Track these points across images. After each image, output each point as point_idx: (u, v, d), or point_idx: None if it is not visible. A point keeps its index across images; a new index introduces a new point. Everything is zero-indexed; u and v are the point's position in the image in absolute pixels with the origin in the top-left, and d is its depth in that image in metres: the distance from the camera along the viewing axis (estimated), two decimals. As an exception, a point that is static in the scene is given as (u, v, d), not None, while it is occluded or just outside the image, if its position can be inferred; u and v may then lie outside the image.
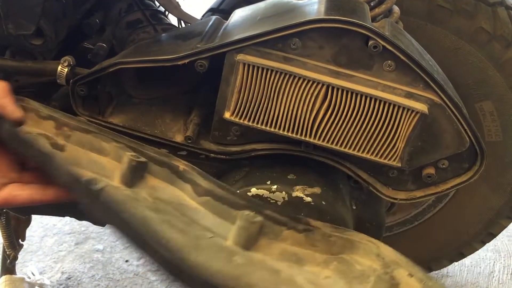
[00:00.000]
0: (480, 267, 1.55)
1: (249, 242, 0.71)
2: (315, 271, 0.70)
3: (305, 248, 0.74)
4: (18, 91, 1.01)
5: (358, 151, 0.84)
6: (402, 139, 0.81)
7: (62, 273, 1.51)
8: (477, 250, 1.30)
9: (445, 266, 1.35)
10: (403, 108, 0.79)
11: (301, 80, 0.80)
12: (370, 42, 0.76)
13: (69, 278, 1.49)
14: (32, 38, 0.89)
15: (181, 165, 0.79)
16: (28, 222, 1.34)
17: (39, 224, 1.69)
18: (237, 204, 0.75)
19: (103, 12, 1.07)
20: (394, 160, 0.83)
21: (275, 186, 0.88)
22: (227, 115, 0.85)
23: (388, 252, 0.73)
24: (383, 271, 0.70)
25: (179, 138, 0.93)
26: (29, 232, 1.55)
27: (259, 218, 0.71)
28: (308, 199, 0.87)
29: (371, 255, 0.73)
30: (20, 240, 1.31)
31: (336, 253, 0.74)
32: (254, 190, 0.88)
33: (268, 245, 0.72)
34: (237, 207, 0.75)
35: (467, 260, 1.55)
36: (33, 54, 0.98)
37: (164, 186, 0.78)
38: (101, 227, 1.10)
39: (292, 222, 0.75)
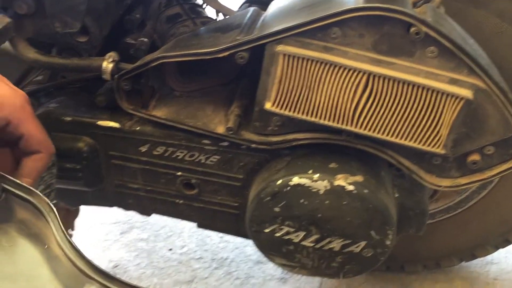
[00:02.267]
0: (526, 254, 1.52)
1: None
2: None
3: None
4: (65, 88, 1.06)
5: (401, 139, 0.83)
6: (446, 126, 0.80)
7: (110, 261, 1.56)
8: (524, 236, 1.28)
9: (490, 253, 1.33)
10: (447, 95, 0.78)
11: (341, 69, 0.79)
12: (412, 29, 0.75)
13: (116, 266, 1.54)
14: (77, 35, 0.92)
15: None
16: (77, 213, 1.39)
17: (85, 215, 1.75)
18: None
19: (143, 7, 1.09)
20: (438, 147, 0.83)
21: (317, 175, 0.88)
22: (268, 105, 0.86)
23: None
24: None
25: (220, 130, 0.94)
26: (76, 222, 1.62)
27: None
28: (350, 187, 0.88)
29: None
30: (70, 230, 1.36)
31: None
32: (296, 179, 0.89)
33: None
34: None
35: (513, 247, 1.52)
36: (78, 51, 1.01)
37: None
38: (146, 216, 1.14)
39: None
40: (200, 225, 1.12)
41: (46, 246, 0.61)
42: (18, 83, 1.08)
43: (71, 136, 1.01)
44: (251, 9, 0.98)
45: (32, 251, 0.62)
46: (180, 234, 1.67)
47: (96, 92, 1.02)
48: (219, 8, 1.13)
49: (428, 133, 0.82)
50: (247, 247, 1.59)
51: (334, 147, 0.92)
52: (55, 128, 0.97)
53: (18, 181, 0.63)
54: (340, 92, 0.81)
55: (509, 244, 1.31)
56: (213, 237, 1.64)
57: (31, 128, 0.69)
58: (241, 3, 1.23)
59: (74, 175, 1.03)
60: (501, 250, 1.35)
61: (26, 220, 0.63)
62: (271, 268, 1.49)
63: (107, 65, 0.90)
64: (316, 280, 1.46)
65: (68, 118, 1.00)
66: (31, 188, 0.63)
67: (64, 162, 1.00)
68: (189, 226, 1.69)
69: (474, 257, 1.35)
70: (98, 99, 0.99)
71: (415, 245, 1.31)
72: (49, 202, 0.62)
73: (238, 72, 1.02)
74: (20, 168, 0.70)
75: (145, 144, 1.00)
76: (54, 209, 0.61)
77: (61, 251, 0.59)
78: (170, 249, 1.61)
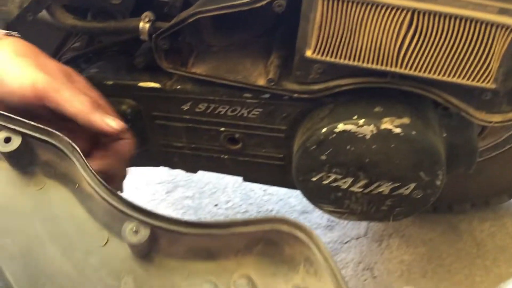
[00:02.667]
0: None
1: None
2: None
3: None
4: (104, 52, 1.07)
5: (449, 76, 0.81)
6: (496, 59, 0.77)
7: (159, 220, 1.61)
8: None
9: (540, 188, 1.31)
10: (497, 26, 0.74)
11: (384, 8, 0.77)
12: (457, -42, 0.71)
13: (165, 224, 1.59)
14: (111, -3, 0.92)
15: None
16: (125, 174, 1.42)
17: (131, 176, 1.80)
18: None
19: (172, -37, 1.07)
20: (488, 82, 0.80)
21: (362, 120, 0.87)
22: (308, 53, 0.84)
23: None
24: None
25: (261, 82, 0.94)
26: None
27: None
28: (398, 130, 0.86)
29: None
30: (119, 192, 1.40)
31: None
32: (341, 126, 0.88)
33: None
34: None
35: None
36: (112, 14, 1.01)
37: None
38: (192, 173, 1.16)
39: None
40: (246, 179, 1.13)
41: (77, 186, 0.61)
42: (57, 51, 1.10)
43: (114, 100, 1.01)
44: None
45: (64, 192, 0.61)
46: (224, 189, 1.69)
47: (135, 53, 1.02)
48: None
49: (478, 68, 0.79)
50: (291, 198, 1.61)
51: (378, 91, 0.90)
52: (98, 93, 0.99)
53: (33, 123, 0.60)
54: (383, 33, 0.79)
55: (560, 178, 1.28)
56: (257, 190, 1.66)
57: (66, 97, 0.69)
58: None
59: (120, 138, 1.04)
60: (551, 185, 1.33)
61: (50, 161, 0.62)
62: (317, 217, 1.51)
63: (144, 25, 0.90)
64: (363, 225, 1.47)
65: (110, 82, 1.01)
66: (49, 129, 0.61)
67: (110, 126, 1.02)
68: (232, 182, 1.71)
69: (522, 194, 1.33)
70: (137, 61, 1.00)
71: (464, 184, 1.29)
72: (70, 141, 0.60)
73: (275, 23, 1.00)
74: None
75: (187, 102, 1.00)
76: (77, 148, 0.59)
77: (93, 189, 0.58)
78: (216, 205, 1.64)
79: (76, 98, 0.71)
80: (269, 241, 0.57)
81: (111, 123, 0.74)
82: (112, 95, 1.02)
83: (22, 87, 0.69)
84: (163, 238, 0.58)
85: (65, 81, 0.74)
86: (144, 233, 0.56)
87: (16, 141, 0.60)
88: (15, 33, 0.79)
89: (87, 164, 0.59)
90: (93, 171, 0.58)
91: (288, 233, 0.55)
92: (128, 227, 0.56)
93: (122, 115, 1.02)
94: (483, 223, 1.40)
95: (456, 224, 1.41)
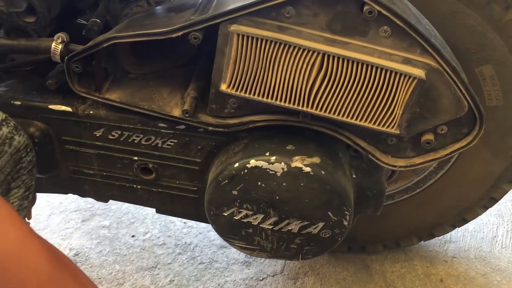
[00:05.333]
0: (483, 232, 1.56)
1: None
2: None
3: None
4: (15, 71, 1.02)
5: (356, 119, 0.83)
6: (400, 106, 0.81)
7: (70, 249, 1.53)
8: (480, 215, 1.30)
9: (448, 232, 1.35)
10: (400, 74, 0.78)
11: (296, 49, 0.79)
12: (365, 8, 0.75)
13: (77, 254, 1.51)
14: (24, 15, 0.89)
15: None
16: (34, 201, 1.35)
17: (45, 202, 1.71)
18: None
19: (96, -13, 1.06)
20: (392, 127, 0.83)
21: (274, 157, 0.88)
22: (223, 87, 0.85)
23: None
24: None
25: (176, 112, 0.93)
26: (36, 210, 1.58)
27: None
28: (308, 169, 0.87)
29: None
30: (26, 219, 1.32)
31: None
32: (253, 162, 0.88)
33: None
34: None
35: (470, 226, 1.56)
36: (27, 32, 0.97)
37: None
38: (103, 202, 1.11)
39: None
40: (159, 211, 1.10)
41: None
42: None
43: (21, 121, 0.97)
44: (207, -12, 0.95)
45: None
46: (143, 220, 1.64)
47: (47, 75, 0.98)
48: (175, -12, 1.10)
49: (383, 113, 0.82)
50: (210, 232, 1.59)
51: (292, 129, 0.91)
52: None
53: None
54: (295, 73, 0.80)
55: (466, 222, 1.34)
56: (177, 223, 1.62)
57: None
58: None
59: (26, 161, 0.99)
60: (458, 229, 1.39)
61: None
62: (235, 253, 1.49)
63: (56, 46, 0.87)
64: (280, 263, 1.46)
65: (18, 102, 0.97)
66: None
67: (15, 148, 0.97)
68: (152, 213, 1.67)
69: (432, 236, 1.38)
70: (49, 82, 0.96)
71: (376, 225, 1.32)
72: None
73: (195, 53, 1.00)
74: None
75: (100, 128, 0.97)
76: None
77: None
78: (133, 236, 1.58)
79: None
80: None
81: None
82: (20, 116, 0.97)
83: None
84: None
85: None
86: None
87: None
88: None
89: None
90: None
91: None
92: None
93: (29, 138, 0.97)
94: (394, 264, 1.44)
95: (369, 264, 1.44)
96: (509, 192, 1.26)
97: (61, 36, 0.88)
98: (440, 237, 1.47)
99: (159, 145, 0.98)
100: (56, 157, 1.02)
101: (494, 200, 1.27)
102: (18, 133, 0.84)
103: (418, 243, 1.41)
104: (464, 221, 1.33)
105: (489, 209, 1.30)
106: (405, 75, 0.78)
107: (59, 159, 1.03)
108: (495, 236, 1.55)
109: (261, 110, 0.88)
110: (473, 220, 1.34)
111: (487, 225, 1.59)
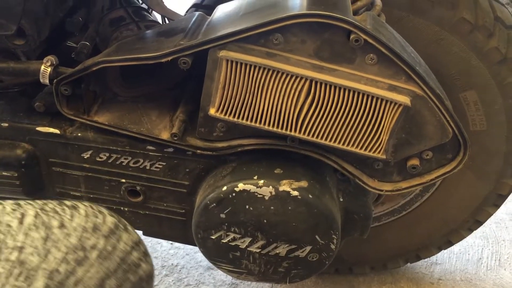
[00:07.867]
0: (468, 254, 1.57)
1: None
2: None
3: None
4: (3, 92, 1.02)
5: (343, 144, 0.84)
6: (386, 132, 0.82)
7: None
8: (465, 237, 1.32)
9: (434, 254, 1.36)
10: (386, 101, 0.80)
11: (284, 75, 0.80)
12: (352, 36, 0.76)
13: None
14: (13, 38, 0.89)
15: None
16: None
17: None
18: None
19: (85, 9, 1.07)
20: (378, 152, 0.84)
21: (262, 181, 0.88)
22: (212, 111, 0.85)
23: None
24: None
25: (165, 135, 0.93)
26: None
27: None
28: (295, 193, 0.88)
29: None
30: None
31: None
32: (241, 185, 0.89)
33: None
34: None
35: (455, 248, 1.57)
36: (16, 54, 0.97)
37: None
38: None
39: None
40: (146, 233, 1.09)
41: None
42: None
43: (8, 143, 0.97)
44: (197, 13, 0.97)
45: None
46: (129, 241, 1.63)
47: (36, 96, 0.98)
48: (165, 12, 1.12)
49: (369, 138, 0.83)
50: (197, 253, 1.57)
51: (280, 153, 0.92)
52: (-10, 134, 0.93)
53: None
54: (283, 98, 0.81)
55: (452, 245, 1.35)
56: (163, 244, 1.61)
57: None
58: (188, 7, 1.22)
59: (12, 183, 0.99)
60: (444, 251, 1.40)
61: None
62: (222, 274, 1.48)
63: (45, 68, 0.88)
64: (267, 285, 1.46)
65: (5, 124, 0.96)
66: None
67: (1, 170, 0.97)
68: (139, 233, 1.65)
69: (419, 258, 1.38)
70: (37, 104, 0.96)
71: (363, 247, 1.33)
72: None
73: (185, 77, 1.01)
74: None
75: (88, 150, 0.97)
76: None
77: None
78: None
79: None
80: None
81: None
82: (7, 137, 0.97)
83: None
84: None
85: None
86: None
87: None
88: None
89: None
90: None
91: None
92: None
93: (16, 160, 0.97)
94: (381, 286, 1.44)
95: (356, 286, 1.44)
96: (494, 214, 1.27)
97: (50, 59, 0.88)
98: (426, 259, 1.48)
99: (147, 167, 0.98)
100: (42, 179, 1.02)
101: (479, 223, 1.29)
102: (146, 260, 0.74)
103: (405, 265, 1.42)
104: (450, 243, 1.35)
105: (474, 231, 1.32)
106: (391, 102, 0.80)
107: (45, 181, 1.02)
108: (480, 258, 1.56)
109: (249, 134, 0.89)
110: (458, 242, 1.35)
111: (473, 247, 1.61)
